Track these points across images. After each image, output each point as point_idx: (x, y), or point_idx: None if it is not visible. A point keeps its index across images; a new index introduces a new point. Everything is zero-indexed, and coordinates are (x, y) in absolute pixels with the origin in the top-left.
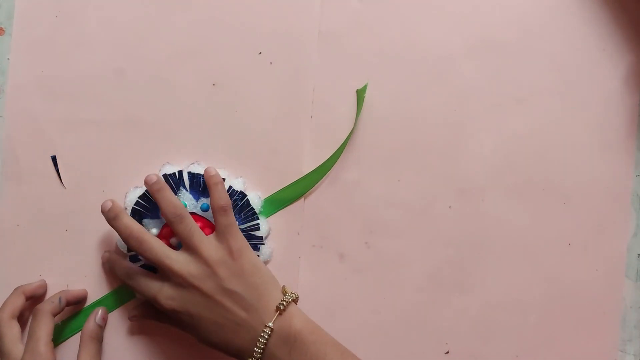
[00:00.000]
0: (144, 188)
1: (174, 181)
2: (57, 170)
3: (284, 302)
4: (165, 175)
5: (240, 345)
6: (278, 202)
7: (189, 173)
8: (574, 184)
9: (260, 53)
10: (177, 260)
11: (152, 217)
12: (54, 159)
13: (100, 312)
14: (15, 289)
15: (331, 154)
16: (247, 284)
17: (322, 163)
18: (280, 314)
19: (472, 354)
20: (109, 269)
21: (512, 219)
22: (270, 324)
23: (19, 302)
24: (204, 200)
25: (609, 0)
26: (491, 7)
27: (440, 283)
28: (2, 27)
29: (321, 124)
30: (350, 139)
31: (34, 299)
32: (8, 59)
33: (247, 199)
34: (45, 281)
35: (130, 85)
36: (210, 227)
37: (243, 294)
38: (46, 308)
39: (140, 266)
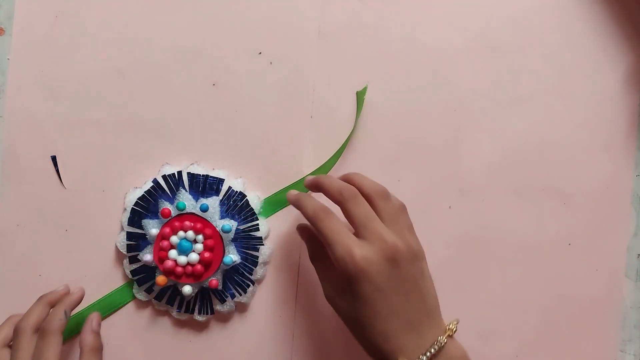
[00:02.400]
0: (143, 189)
1: (173, 182)
2: (57, 170)
3: (452, 326)
4: (164, 176)
5: (401, 345)
6: (278, 202)
7: (189, 174)
8: (574, 184)
9: (260, 53)
10: (388, 232)
11: (151, 218)
12: (54, 159)
13: (94, 320)
14: (40, 297)
15: (331, 154)
16: (431, 290)
17: (323, 164)
18: (449, 335)
19: (472, 354)
20: (296, 205)
21: (512, 219)
22: (444, 339)
23: (44, 313)
24: (203, 201)
25: (609, 0)
26: (491, 7)
27: (440, 283)
28: (2, 27)
29: (321, 124)
30: (350, 139)
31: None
32: (8, 59)
33: (247, 200)
34: (69, 288)
35: (130, 85)
36: (210, 227)
37: (427, 297)
38: (55, 327)
39: (143, 268)
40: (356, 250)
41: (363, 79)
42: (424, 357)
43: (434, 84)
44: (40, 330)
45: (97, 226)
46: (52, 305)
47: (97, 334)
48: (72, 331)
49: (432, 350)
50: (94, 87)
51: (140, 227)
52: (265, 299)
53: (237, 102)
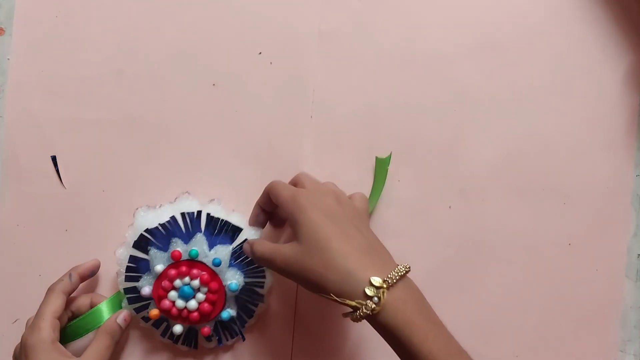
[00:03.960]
0: (158, 216)
1: (191, 220)
2: (57, 170)
3: (407, 266)
4: (182, 214)
5: (365, 265)
6: None
7: (208, 215)
8: (574, 184)
9: (260, 53)
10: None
11: (158, 248)
12: (54, 159)
13: (123, 313)
14: (50, 287)
15: (331, 153)
16: (376, 237)
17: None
18: (407, 271)
19: (472, 354)
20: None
21: (512, 219)
22: (405, 267)
23: (58, 302)
24: (216, 250)
25: (609, 0)
26: (491, 7)
27: (440, 283)
28: (2, 27)
29: (321, 124)
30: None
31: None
32: (8, 59)
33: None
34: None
35: (130, 85)
36: (217, 281)
37: (375, 237)
38: (56, 287)
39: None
40: (299, 192)
41: (363, 78)
42: (395, 274)
43: (434, 84)
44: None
45: (97, 226)
46: (66, 293)
47: (118, 324)
48: (76, 334)
49: (401, 271)
50: (94, 87)
51: (144, 249)
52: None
53: (237, 102)
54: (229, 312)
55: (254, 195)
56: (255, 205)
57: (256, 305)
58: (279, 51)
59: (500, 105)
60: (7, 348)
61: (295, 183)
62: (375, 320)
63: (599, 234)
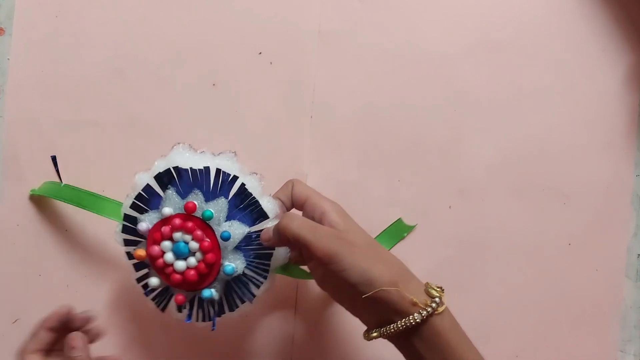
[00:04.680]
0: (196, 158)
1: (224, 181)
2: (57, 170)
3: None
4: (218, 170)
5: (393, 275)
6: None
7: (242, 185)
8: (574, 184)
9: (260, 53)
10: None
11: (177, 193)
12: (54, 159)
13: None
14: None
15: (331, 153)
16: None
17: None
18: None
19: None
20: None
21: (512, 219)
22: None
23: (45, 337)
24: (233, 225)
25: (609, 0)
26: (491, 7)
27: (440, 283)
28: (2, 27)
29: (321, 124)
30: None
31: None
32: (8, 59)
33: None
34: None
35: (130, 85)
36: (217, 254)
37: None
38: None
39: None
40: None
41: (363, 79)
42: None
43: (434, 83)
44: None
45: (97, 226)
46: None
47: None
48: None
49: (436, 301)
50: (94, 87)
51: (164, 186)
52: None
53: (237, 102)
54: (211, 292)
55: None
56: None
57: (243, 302)
58: (279, 51)
59: (500, 106)
60: (7, 348)
61: (301, 199)
62: (431, 324)
63: (598, 234)
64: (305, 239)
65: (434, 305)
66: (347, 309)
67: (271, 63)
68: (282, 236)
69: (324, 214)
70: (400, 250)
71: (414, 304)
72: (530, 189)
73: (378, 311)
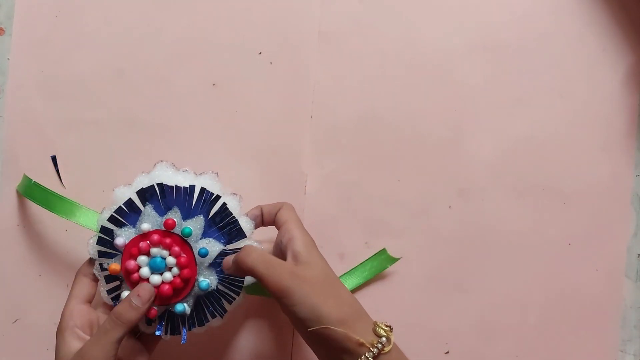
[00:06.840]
0: (178, 176)
1: (206, 200)
2: (57, 170)
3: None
4: (202, 190)
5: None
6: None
7: (224, 205)
8: (574, 184)
9: (260, 53)
10: None
11: (156, 209)
12: (54, 159)
13: (141, 291)
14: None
15: (331, 153)
16: None
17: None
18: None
19: (472, 354)
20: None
21: (512, 219)
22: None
23: (79, 286)
24: (210, 242)
25: (609, 0)
26: (491, 7)
27: (440, 283)
28: (2, 27)
29: (321, 124)
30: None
31: None
32: (8, 59)
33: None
34: None
35: (130, 85)
36: (192, 270)
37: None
38: (79, 271)
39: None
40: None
41: (363, 79)
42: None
43: (434, 84)
44: None
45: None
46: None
47: (136, 308)
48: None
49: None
50: (94, 87)
51: (144, 201)
52: (264, 302)
53: (237, 102)
54: (184, 306)
55: (254, 195)
56: (256, 207)
57: (214, 317)
58: (279, 51)
59: (500, 106)
60: (7, 348)
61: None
62: None
63: (598, 234)
64: (259, 273)
65: (379, 346)
66: (304, 341)
67: (271, 63)
68: (239, 267)
69: (290, 241)
70: (401, 250)
71: (361, 344)
72: (530, 189)
73: (328, 348)
